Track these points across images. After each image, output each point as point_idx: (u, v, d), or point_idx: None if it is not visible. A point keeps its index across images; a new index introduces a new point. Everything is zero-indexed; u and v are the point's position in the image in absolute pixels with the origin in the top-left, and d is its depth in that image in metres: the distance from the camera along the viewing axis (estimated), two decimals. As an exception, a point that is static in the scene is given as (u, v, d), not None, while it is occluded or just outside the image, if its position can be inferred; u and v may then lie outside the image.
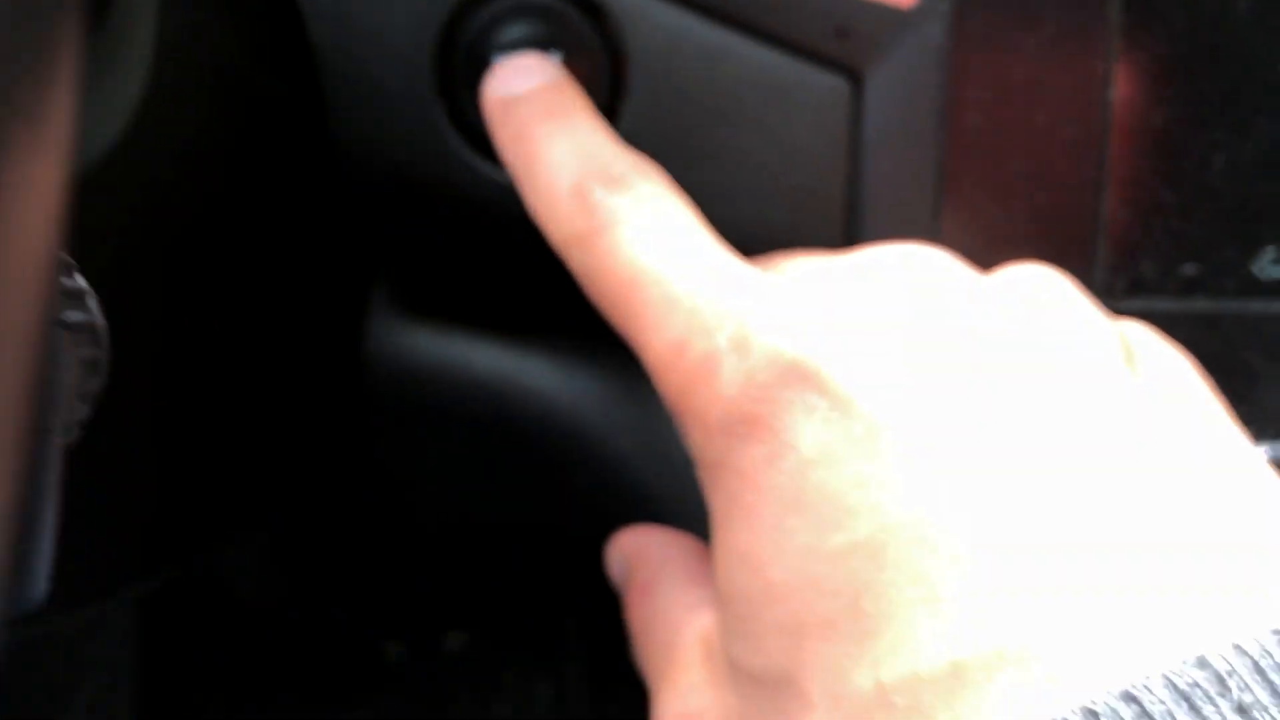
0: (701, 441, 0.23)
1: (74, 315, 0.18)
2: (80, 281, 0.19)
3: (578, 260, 0.25)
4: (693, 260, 0.24)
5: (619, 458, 0.34)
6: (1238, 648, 0.17)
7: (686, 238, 0.25)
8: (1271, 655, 0.17)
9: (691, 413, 0.23)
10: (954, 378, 0.21)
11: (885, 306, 0.23)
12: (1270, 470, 0.21)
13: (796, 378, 0.22)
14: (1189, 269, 0.30)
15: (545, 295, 0.30)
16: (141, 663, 0.52)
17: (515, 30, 0.29)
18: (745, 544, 0.22)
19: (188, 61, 0.25)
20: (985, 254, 0.30)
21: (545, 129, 0.27)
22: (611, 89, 0.30)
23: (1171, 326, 0.30)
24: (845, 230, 0.30)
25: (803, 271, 0.26)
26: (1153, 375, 0.23)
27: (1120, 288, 0.30)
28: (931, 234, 0.29)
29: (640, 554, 0.28)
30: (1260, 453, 0.22)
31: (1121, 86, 0.29)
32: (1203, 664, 0.17)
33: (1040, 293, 0.24)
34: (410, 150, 0.30)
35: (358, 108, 0.30)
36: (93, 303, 0.19)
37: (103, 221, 0.23)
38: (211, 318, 0.28)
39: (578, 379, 0.34)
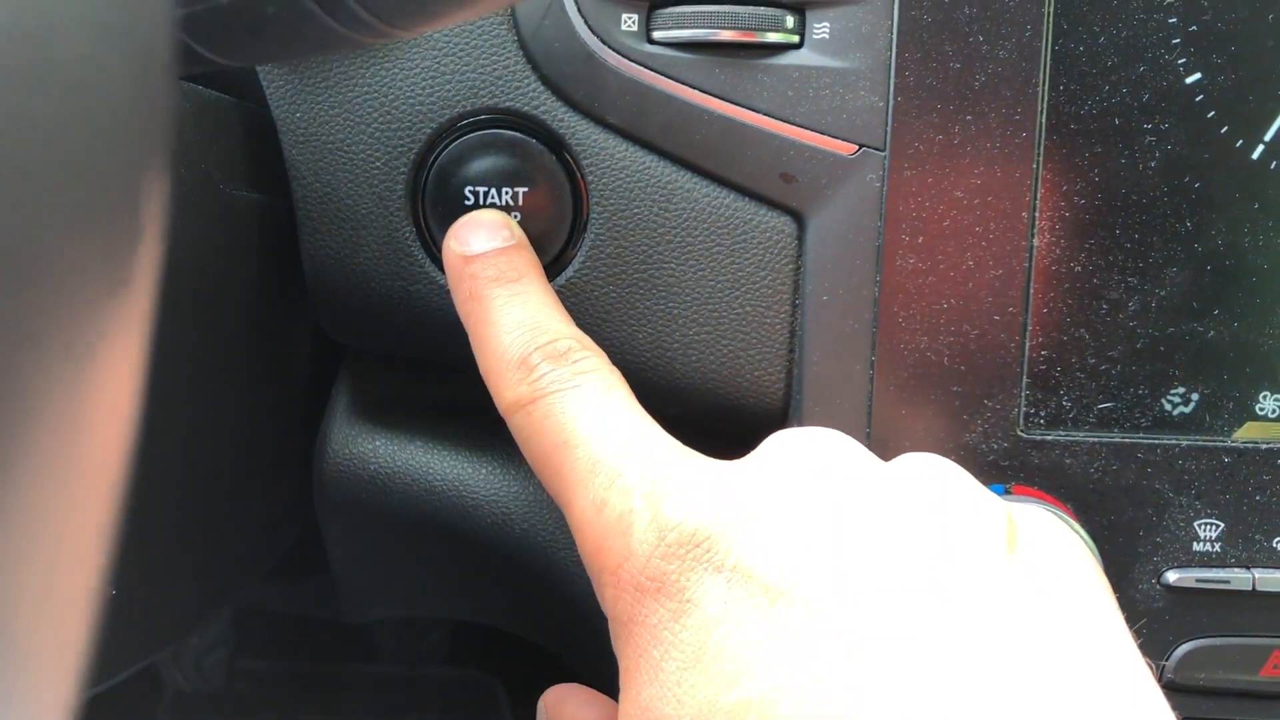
0: (613, 598, 0.24)
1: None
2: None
3: (518, 423, 0.27)
4: (619, 430, 0.26)
5: (569, 568, 0.35)
6: None
7: (616, 409, 0.26)
8: None
9: (606, 570, 0.24)
10: (848, 551, 0.23)
11: (792, 484, 0.25)
12: (1122, 648, 0.23)
13: (704, 539, 0.23)
14: (1104, 404, 0.32)
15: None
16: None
17: (484, 162, 0.31)
18: (648, 698, 0.23)
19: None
20: (915, 386, 0.32)
21: (498, 294, 0.28)
22: (573, 219, 0.32)
23: (1088, 458, 0.32)
24: (788, 357, 0.32)
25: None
26: (1029, 556, 0.24)
27: (1040, 421, 0.32)
28: (866, 364, 0.31)
29: (556, 711, 0.30)
30: (1119, 628, 0.23)
31: (1043, 234, 0.31)
32: None
33: (932, 479, 0.26)
34: (377, 264, 0.32)
35: (329, 223, 0.32)
36: None
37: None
38: (173, 414, 0.29)
39: (531, 489, 0.35)
